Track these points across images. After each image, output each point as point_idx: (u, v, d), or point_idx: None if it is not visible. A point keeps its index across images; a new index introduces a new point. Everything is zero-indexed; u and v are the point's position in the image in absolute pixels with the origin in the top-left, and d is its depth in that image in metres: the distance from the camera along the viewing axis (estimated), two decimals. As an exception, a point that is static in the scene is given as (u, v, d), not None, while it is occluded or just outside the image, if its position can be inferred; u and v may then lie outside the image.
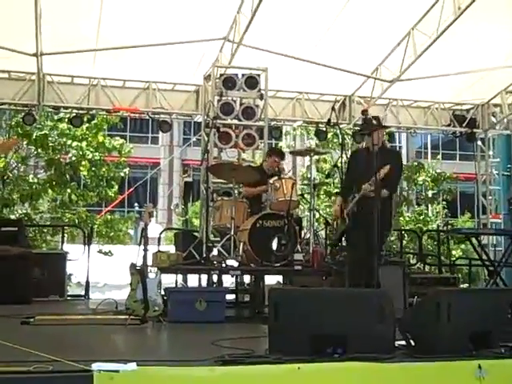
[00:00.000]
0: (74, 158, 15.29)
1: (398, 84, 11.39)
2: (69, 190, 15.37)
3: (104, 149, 15.74)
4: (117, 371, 3.47)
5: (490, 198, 13.29)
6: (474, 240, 9.06)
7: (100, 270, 15.02)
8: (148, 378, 3.57)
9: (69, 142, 15.06)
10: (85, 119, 12.42)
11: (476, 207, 13.84)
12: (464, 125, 12.94)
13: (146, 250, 6.47)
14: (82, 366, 3.51)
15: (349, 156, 7.48)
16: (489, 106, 12.90)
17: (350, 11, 9.80)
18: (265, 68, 10.02)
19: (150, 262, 7.11)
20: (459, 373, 3.96)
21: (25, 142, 15.14)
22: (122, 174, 16.63)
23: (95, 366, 3.47)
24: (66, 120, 13.80)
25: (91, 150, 15.35)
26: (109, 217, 17.95)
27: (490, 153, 13.48)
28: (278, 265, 7.27)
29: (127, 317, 6.17)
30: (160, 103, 11.52)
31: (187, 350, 4.99)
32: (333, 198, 17.63)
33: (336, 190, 17.45)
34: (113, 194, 16.36)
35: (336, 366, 3.88)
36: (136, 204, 27.25)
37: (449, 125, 13.01)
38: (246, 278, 8.80)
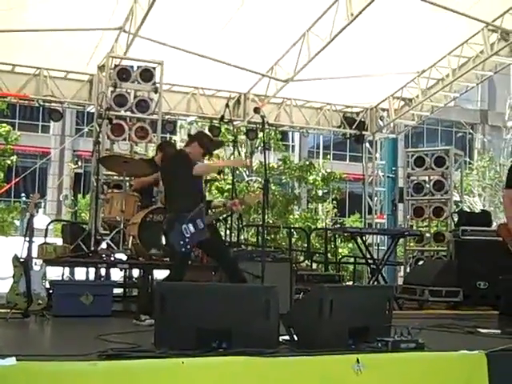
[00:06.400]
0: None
1: (292, 84, 11.62)
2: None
3: (-12, 135, 15.13)
4: (-6, 366, 3.36)
5: (376, 198, 13.82)
6: (359, 239, 9.38)
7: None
8: (28, 373, 3.47)
9: (-50, 126, 14.35)
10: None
11: (363, 207, 14.31)
12: (354, 127, 13.39)
13: (30, 242, 6.27)
14: (-43, 360, 3.37)
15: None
16: (377, 110, 13.42)
17: (247, 9, 9.91)
18: (160, 61, 9.92)
19: (35, 254, 6.92)
20: (338, 366, 4.11)
21: None
22: (9, 162, 16.00)
23: (-30, 361, 3.34)
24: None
25: (-25, 135, 14.70)
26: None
27: (377, 155, 14.00)
28: (167, 259, 7.24)
29: (8, 310, 5.97)
30: (51, 91, 11.18)
31: (71, 344, 4.89)
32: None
33: (228, 187, 17.55)
34: (-3, 182, 15.75)
35: (220, 361, 3.92)
36: (23, 194, 26.24)
37: (339, 126, 13.43)
38: (135, 272, 8.72)
